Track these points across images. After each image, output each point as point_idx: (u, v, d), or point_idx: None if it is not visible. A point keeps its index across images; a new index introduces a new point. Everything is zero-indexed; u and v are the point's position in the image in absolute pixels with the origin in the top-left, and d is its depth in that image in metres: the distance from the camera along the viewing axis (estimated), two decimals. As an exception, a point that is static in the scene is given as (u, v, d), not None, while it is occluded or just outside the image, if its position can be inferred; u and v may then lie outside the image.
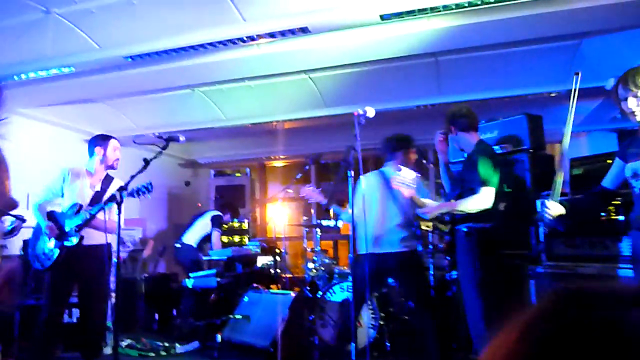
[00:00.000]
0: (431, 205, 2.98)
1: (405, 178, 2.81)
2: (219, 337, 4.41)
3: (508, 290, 3.52)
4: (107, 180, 3.61)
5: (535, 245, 3.67)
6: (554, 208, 2.39)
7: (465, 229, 2.91)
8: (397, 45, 3.92)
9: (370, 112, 2.76)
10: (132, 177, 2.93)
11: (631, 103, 2.21)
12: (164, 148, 3.09)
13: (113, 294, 3.91)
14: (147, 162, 2.96)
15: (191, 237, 5.88)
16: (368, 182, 3.58)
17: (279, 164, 8.44)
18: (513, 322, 0.51)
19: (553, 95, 4.79)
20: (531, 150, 3.94)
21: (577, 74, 2.52)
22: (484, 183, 2.84)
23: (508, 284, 3.53)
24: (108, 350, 4.55)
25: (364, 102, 3.50)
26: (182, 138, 3.21)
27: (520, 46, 4.22)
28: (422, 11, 3.33)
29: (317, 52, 4.00)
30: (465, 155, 3.14)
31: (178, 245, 5.89)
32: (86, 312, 3.68)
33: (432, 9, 3.30)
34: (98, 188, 3.56)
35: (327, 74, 4.74)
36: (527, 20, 3.41)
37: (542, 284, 3.51)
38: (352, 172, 2.66)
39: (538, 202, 2.50)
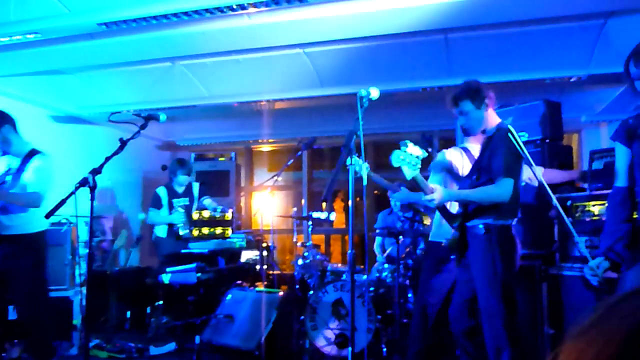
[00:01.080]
0: (439, 190, 2.81)
1: (411, 155, 2.68)
2: (198, 339, 4.40)
3: (528, 294, 3.52)
4: (28, 156, 3.58)
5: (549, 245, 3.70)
6: (600, 267, 2.28)
7: (482, 226, 2.85)
8: (403, 20, 3.89)
9: (374, 93, 2.73)
10: (107, 158, 2.90)
11: None
12: (142, 127, 3.07)
13: (84, 289, 3.89)
14: (123, 142, 2.93)
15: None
16: (455, 159, 3.48)
17: (267, 148, 8.41)
18: (591, 322, 0.53)
19: (572, 80, 4.80)
20: (548, 140, 3.96)
21: None
22: (504, 173, 2.78)
23: (528, 288, 3.54)
24: (74, 351, 4.55)
25: (364, 82, 3.46)
26: (163, 117, 3.18)
27: (538, 25, 4.20)
28: (433, -18, 3.30)
29: (314, 24, 3.94)
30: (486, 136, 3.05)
31: (153, 238, 5.88)
32: (20, 309, 3.66)
33: (445, -20, 3.27)
34: (14, 170, 3.55)
35: (325, 49, 4.69)
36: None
37: (555, 287, 3.55)
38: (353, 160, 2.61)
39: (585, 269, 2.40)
